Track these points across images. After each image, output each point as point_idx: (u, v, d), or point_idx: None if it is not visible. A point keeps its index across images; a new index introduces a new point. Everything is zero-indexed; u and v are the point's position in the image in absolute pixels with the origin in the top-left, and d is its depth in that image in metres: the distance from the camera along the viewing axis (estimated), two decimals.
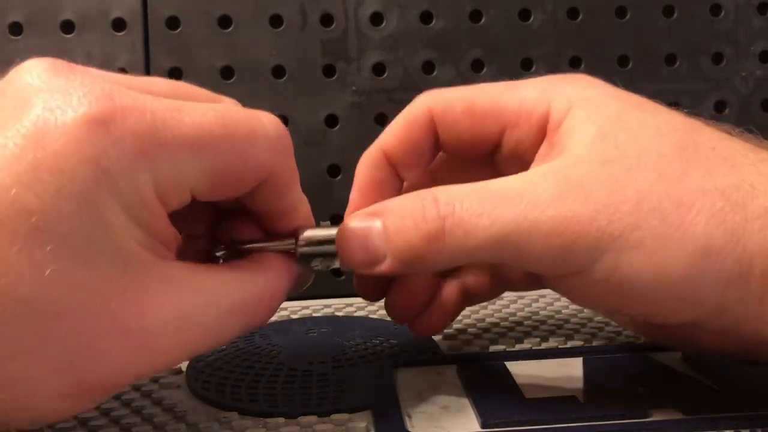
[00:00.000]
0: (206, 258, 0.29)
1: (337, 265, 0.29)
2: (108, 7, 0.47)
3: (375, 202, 0.29)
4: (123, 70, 0.47)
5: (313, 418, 0.28)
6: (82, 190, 0.21)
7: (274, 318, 0.41)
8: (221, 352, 0.35)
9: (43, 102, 0.22)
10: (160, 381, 0.32)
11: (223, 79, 0.47)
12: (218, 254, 0.29)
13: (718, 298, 0.25)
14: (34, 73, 0.23)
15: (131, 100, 0.23)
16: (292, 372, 0.33)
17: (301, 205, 0.29)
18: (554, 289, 0.28)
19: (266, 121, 0.26)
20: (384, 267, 0.27)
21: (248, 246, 0.28)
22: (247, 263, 0.28)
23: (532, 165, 0.29)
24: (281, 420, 0.28)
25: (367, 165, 0.32)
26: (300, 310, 0.43)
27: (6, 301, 0.20)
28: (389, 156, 0.31)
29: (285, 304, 0.44)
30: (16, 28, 0.46)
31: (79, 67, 0.24)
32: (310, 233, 0.28)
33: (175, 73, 0.47)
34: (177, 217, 0.25)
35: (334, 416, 0.28)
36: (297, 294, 0.44)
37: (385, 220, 0.27)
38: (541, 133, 0.29)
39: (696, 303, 0.25)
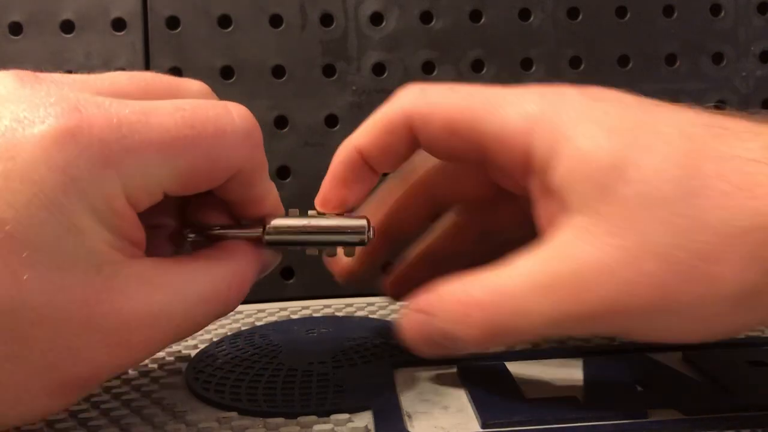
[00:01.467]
0: (177, 242, 0.30)
1: (307, 252, 0.30)
2: (108, 7, 0.47)
3: (347, 195, 0.31)
4: (123, 71, 0.47)
5: (313, 418, 0.28)
6: (53, 198, 0.22)
7: (274, 318, 0.41)
8: (221, 351, 0.35)
9: (10, 113, 0.22)
10: (160, 381, 0.32)
11: (223, 79, 0.47)
12: (189, 238, 0.29)
13: (762, 320, 0.26)
14: (0, 84, 0.23)
15: (97, 107, 0.23)
16: (292, 372, 0.33)
17: (268, 194, 0.29)
18: None
19: (235, 115, 0.26)
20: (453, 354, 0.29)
21: (217, 231, 0.29)
22: (215, 252, 0.28)
23: (536, 205, 0.28)
24: (281, 420, 0.28)
25: (340, 159, 0.31)
26: (300, 310, 0.43)
27: None
28: (364, 154, 0.31)
29: (285, 304, 0.44)
30: (16, 28, 0.46)
31: (45, 76, 0.24)
32: (278, 222, 0.29)
33: (175, 73, 0.47)
34: (147, 209, 0.25)
35: (334, 416, 0.28)
36: (297, 294, 0.44)
37: (436, 322, 0.28)
38: (527, 163, 0.28)
39: (740, 331, 0.26)
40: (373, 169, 0.31)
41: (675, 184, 0.25)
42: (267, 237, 0.29)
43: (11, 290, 0.21)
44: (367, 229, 0.30)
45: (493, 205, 0.33)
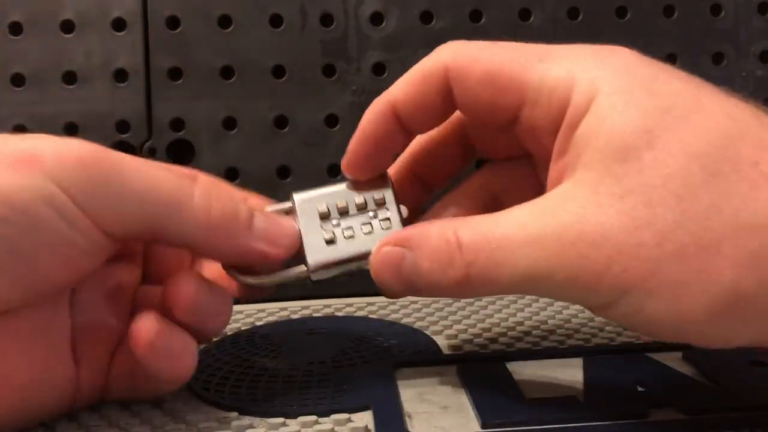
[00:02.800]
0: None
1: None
2: (108, 7, 0.47)
3: (374, 152, 0.30)
4: (123, 70, 0.47)
5: (313, 418, 0.28)
6: None
7: (274, 318, 0.41)
8: (221, 351, 0.35)
9: None
10: None
11: (223, 79, 0.47)
12: (244, 283, 0.30)
13: (753, 334, 0.24)
14: None
15: None
16: (292, 372, 0.33)
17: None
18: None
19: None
20: (419, 295, 0.28)
21: (267, 278, 0.30)
22: None
23: (551, 165, 0.28)
24: (281, 420, 0.28)
25: (372, 115, 0.30)
26: (300, 310, 0.43)
27: None
28: (398, 110, 0.30)
29: (285, 304, 0.44)
30: (16, 28, 0.46)
31: None
32: (318, 260, 0.30)
33: (175, 73, 0.47)
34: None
35: (334, 416, 0.28)
36: (297, 294, 0.44)
37: (416, 258, 0.27)
38: (560, 119, 0.27)
39: (728, 342, 0.24)
40: (405, 129, 0.30)
41: (701, 162, 0.24)
42: (313, 275, 0.30)
43: None
44: None
45: (511, 170, 0.32)
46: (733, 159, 0.24)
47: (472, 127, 0.32)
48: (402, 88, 0.30)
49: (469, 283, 0.26)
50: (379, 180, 0.31)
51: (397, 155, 0.33)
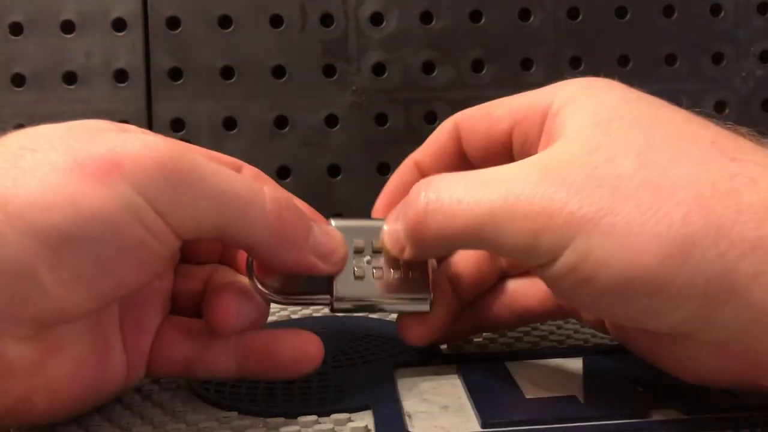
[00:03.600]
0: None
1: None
2: (108, 7, 0.47)
3: (394, 201, 0.31)
4: (123, 71, 0.47)
5: (313, 418, 0.28)
6: None
7: (274, 318, 0.41)
8: None
9: None
10: (160, 381, 0.32)
11: (223, 79, 0.47)
12: (268, 298, 0.30)
13: (698, 299, 0.23)
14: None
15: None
16: None
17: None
18: (545, 282, 0.27)
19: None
20: (406, 254, 0.29)
21: (291, 299, 0.31)
22: None
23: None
24: (281, 420, 0.28)
25: (398, 170, 0.34)
26: (300, 310, 0.43)
27: None
28: (419, 163, 0.33)
29: (283, 306, 0.44)
30: (16, 28, 0.46)
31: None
32: (345, 293, 0.30)
33: (175, 73, 0.47)
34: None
35: (334, 416, 0.28)
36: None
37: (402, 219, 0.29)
38: (543, 118, 0.29)
39: (673, 302, 0.23)
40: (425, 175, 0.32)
41: (664, 131, 0.26)
42: (336, 304, 0.30)
43: None
44: (429, 297, 0.31)
45: None
46: (693, 136, 0.26)
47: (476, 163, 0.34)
48: (422, 146, 0.33)
49: (424, 223, 0.27)
50: None
51: None
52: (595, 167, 0.25)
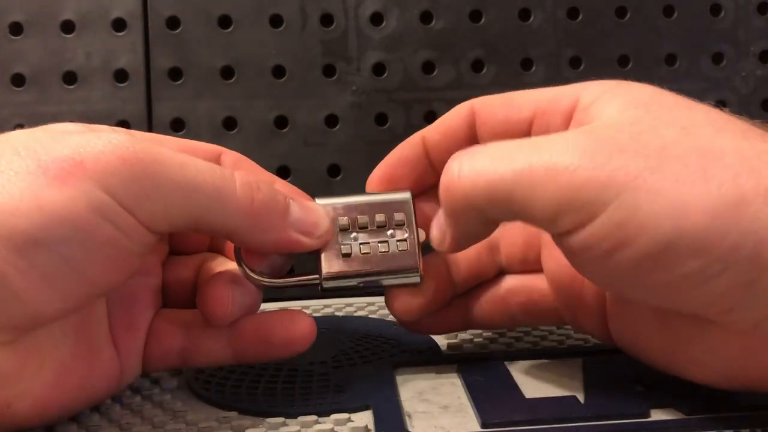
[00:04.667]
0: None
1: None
2: (108, 7, 0.47)
3: (395, 172, 0.32)
4: (123, 71, 0.47)
5: (313, 418, 0.28)
6: None
7: None
8: None
9: None
10: (160, 381, 0.32)
11: (223, 79, 0.47)
12: (257, 283, 0.30)
13: (746, 262, 0.22)
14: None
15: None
16: (292, 372, 0.33)
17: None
18: (567, 256, 0.26)
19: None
20: (447, 240, 0.29)
21: (280, 281, 0.30)
22: None
23: None
24: (281, 420, 0.28)
25: (402, 145, 0.33)
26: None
27: None
28: (426, 140, 0.32)
29: (285, 304, 0.44)
30: (16, 28, 0.46)
31: None
32: (333, 269, 0.30)
33: (175, 73, 0.47)
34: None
35: (334, 416, 0.28)
36: (297, 294, 0.44)
37: None
38: (569, 118, 0.29)
39: (720, 264, 0.22)
40: (430, 163, 0.32)
41: (704, 113, 0.26)
42: (324, 284, 0.30)
43: None
44: (419, 268, 0.30)
45: None
46: (729, 120, 0.26)
47: None
48: (433, 125, 0.33)
49: (456, 181, 0.26)
50: (402, 201, 0.31)
51: (418, 184, 0.33)
52: (638, 133, 0.25)
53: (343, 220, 0.30)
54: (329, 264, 0.30)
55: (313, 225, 0.29)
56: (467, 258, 0.33)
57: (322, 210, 0.30)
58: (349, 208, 0.31)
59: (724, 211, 0.22)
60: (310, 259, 0.31)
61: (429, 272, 0.31)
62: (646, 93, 0.27)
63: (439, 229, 0.29)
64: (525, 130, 0.30)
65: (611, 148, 0.24)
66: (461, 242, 0.29)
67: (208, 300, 0.29)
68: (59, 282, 0.24)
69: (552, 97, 0.30)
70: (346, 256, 0.30)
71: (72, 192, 0.24)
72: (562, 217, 0.24)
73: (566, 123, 0.29)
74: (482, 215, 0.27)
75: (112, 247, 0.25)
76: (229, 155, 0.32)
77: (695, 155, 0.23)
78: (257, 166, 0.33)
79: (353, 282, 0.30)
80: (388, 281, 0.31)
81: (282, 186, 0.32)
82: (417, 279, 0.31)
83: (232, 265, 0.31)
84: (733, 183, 0.23)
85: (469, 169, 0.26)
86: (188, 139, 0.32)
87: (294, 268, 0.34)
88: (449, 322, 0.34)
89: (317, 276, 0.30)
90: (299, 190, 0.32)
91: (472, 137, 0.32)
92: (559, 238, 0.25)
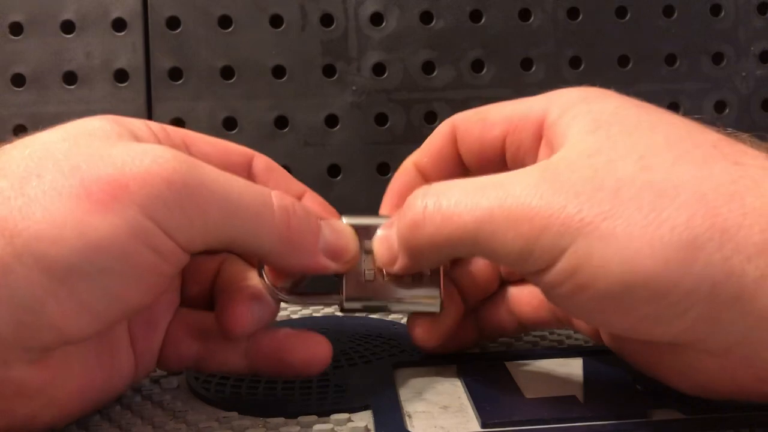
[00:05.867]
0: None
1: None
2: (108, 7, 0.47)
3: (399, 204, 0.31)
4: (123, 71, 0.47)
5: (313, 418, 0.28)
6: None
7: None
8: None
9: None
10: (160, 381, 0.32)
11: (223, 79, 0.47)
12: (281, 299, 0.30)
13: (704, 304, 0.22)
14: None
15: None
16: None
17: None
18: (540, 290, 0.27)
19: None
20: (398, 265, 0.29)
21: (303, 298, 0.31)
22: None
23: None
24: (281, 420, 0.28)
25: (398, 173, 0.33)
26: (300, 310, 0.43)
27: None
28: (418, 165, 0.33)
29: (285, 304, 0.44)
30: (16, 28, 0.46)
31: None
32: (356, 294, 0.30)
33: (175, 73, 0.47)
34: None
35: (334, 416, 0.28)
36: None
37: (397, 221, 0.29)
38: (539, 133, 0.29)
39: (677, 308, 0.23)
40: (425, 178, 0.32)
41: (665, 134, 0.25)
42: (346, 305, 0.30)
43: None
44: (440, 297, 0.31)
45: None
46: (694, 140, 0.25)
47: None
48: (420, 148, 0.33)
49: (421, 225, 0.27)
50: None
51: None
52: (595, 171, 0.24)
53: (368, 244, 0.30)
54: (352, 287, 0.30)
55: (342, 250, 0.29)
56: (474, 275, 0.33)
57: (351, 233, 0.30)
58: (373, 230, 0.30)
59: (675, 257, 0.22)
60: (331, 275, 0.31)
61: (446, 298, 0.31)
62: (609, 108, 0.27)
63: (389, 251, 0.29)
64: (498, 148, 0.31)
65: (567, 191, 0.24)
66: (411, 270, 0.30)
67: (226, 315, 0.29)
68: (97, 309, 0.24)
69: (522, 112, 0.30)
70: (369, 281, 0.30)
71: (115, 219, 0.23)
72: (527, 260, 0.25)
73: (537, 139, 0.29)
74: (445, 254, 0.28)
75: (151, 274, 0.25)
76: (261, 160, 0.32)
77: (650, 195, 0.23)
78: (287, 174, 0.33)
79: (373, 306, 0.31)
80: (408, 308, 0.31)
81: (311, 199, 0.32)
82: (437, 308, 0.31)
83: (251, 274, 0.31)
84: (686, 225, 0.22)
85: (434, 210, 0.27)
86: (223, 140, 0.32)
87: (312, 281, 0.34)
88: (464, 341, 0.34)
89: (339, 296, 0.30)
90: (328, 205, 0.32)
91: (458, 156, 0.32)
92: (529, 276, 0.26)
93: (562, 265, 0.24)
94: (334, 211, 0.32)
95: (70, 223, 0.23)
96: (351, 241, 0.30)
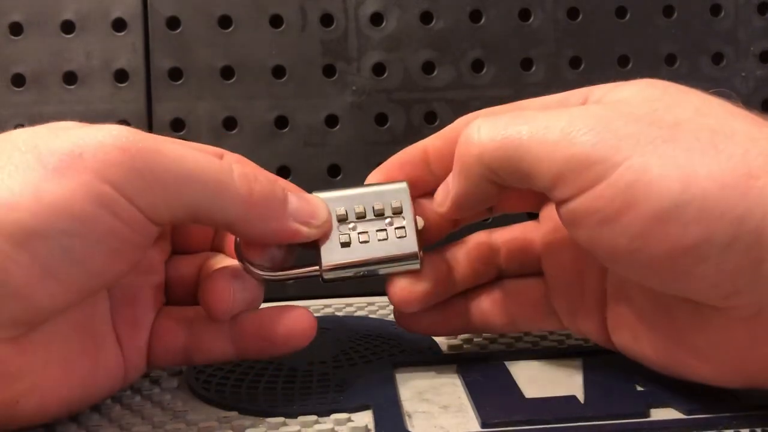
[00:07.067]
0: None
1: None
2: (108, 7, 0.47)
3: (391, 177, 0.32)
4: (123, 71, 0.47)
5: (313, 418, 0.28)
6: None
7: None
8: None
9: None
10: (160, 381, 0.32)
11: (223, 79, 0.47)
12: (258, 276, 0.30)
13: (754, 235, 0.23)
14: None
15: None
16: (292, 372, 0.33)
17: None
18: (569, 225, 0.26)
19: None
20: (451, 194, 0.30)
21: (280, 274, 0.31)
22: None
23: None
24: (281, 420, 0.28)
25: (403, 150, 0.33)
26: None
27: None
28: (427, 149, 0.32)
29: (286, 304, 0.44)
30: (16, 28, 0.46)
31: None
32: (332, 261, 0.30)
33: (175, 73, 0.47)
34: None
35: (334, 416, 0.28)
36: (297, 294, 0.44)
37: None
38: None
39: (725, 236, 0.23)
40: (429, 170, 0.32)
41: (716, 102, 0.27)
42: (325, 275, 0.30)
43: None
44: (419, 253, 0.30)
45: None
46: (740, 110, 0.26)
47: None
48: (437, 135, 0.33)
49: (470, 143, 0.28)
50: (398, 190, 0.31)
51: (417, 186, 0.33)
52: (654, 110, 0.25)
53: (341, 210, 0.31)
54: (329, 255, 0.30)
55: (311, 214, 0.30)
56: (467, 254, 0.33)
57: (321, 201, 0.30)
58: (346, 199, 0.31)
59: (732, 182, 0.23)
60: (310, 255, 0.31)
61: (429, 265, 0.31)
62: (659, 83, 0.28)
63: (443, 189, 0.31)
64: None
65: (627, 118, 0.25)
66: (462, 203, 0.30)
67: (209, 294, 0.29)
68: (61, 274, 0.24)
69: (560, 99, 0.30)
70: (345, 245, 0.30)
71: (71, 184, 0.24)
72: (571, 178, 0.25)
73: None
74: (490, 174, 0.28)
75: (114, 238, 0.25)
76: (230, 157, 0.32)
77: (707, 132, 0.24)
78: (258, 167, 0.33)
79: (353, 271, 0.30)
80: (388, 269, 0.31)
81: (283, 182, 0.32)
82: (417, 265, 0.31)
83: (233, 263, 0.31)
84: (743, 157, 0.23)
85: (488, 129, 0.27)
86: (189, 141, 0.32)
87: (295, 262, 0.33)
88: (449, 324, 0.34)
89: (317, 267, 0.30)
90: (297, 187, 0.32)
91: None
92: (565, 204, 0.26)
93: (611, 181, 0.24)
94: (304, 192, 0.32)
95: (26, 190, 0.23)
96: (320, 206, 0.30)
